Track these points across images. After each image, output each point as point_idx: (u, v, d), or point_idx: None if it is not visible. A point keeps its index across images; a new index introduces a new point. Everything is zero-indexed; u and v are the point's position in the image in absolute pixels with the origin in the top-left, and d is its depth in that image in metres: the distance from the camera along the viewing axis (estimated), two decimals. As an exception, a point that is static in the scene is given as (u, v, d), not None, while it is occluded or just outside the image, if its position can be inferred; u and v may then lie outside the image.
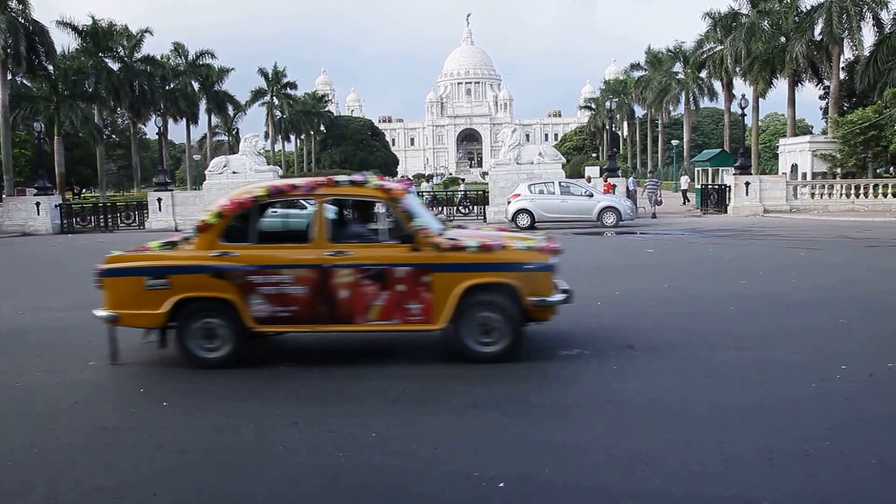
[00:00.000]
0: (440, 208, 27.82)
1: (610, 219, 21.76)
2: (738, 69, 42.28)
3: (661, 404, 4.95)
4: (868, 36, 35.25)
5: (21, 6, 34.20)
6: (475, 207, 27.54)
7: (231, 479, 3.91)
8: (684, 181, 37.58)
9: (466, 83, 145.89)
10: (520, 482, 3.74)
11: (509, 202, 22.74)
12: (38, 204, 27.61)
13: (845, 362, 5.80)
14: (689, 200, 33.69)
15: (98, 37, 45.15)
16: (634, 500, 3.51)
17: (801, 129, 55.91)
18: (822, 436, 4.25)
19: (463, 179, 59.82)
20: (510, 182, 24.93)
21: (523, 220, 21.94)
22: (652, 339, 6.82)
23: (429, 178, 67.82)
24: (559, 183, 23.08)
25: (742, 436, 4.30)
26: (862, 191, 26.30)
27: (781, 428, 4.40)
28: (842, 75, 37.21)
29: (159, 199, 27.42)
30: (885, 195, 25.80)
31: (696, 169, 35.15)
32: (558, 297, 6.25)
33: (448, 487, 3.73)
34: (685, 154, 58.24)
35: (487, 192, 27.56)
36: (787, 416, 4.61)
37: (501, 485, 3.70)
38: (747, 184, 26.28)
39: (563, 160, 29.59)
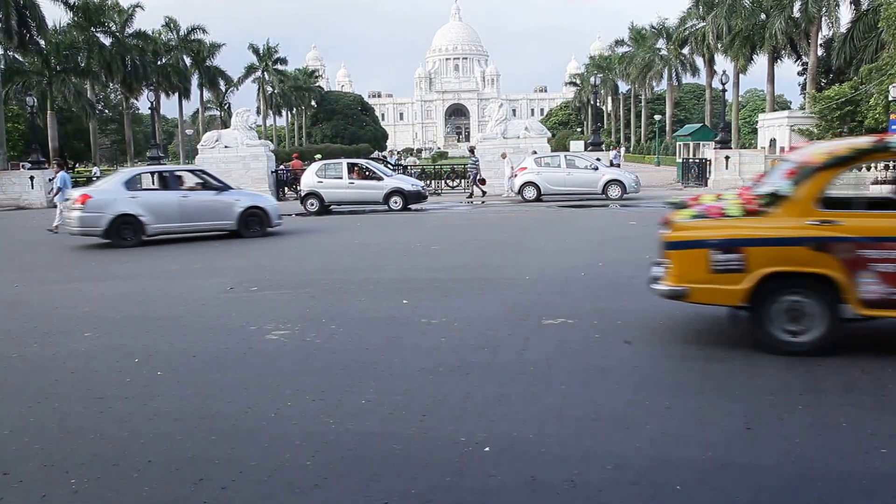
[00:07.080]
0: (428, 181, 27.86)
1: (615, 192, 21.87)
2: (719, 46, 42.48)
3: (642, 371, 5.09)
4: (845, 13, 35.56)
5: (11, -20, 33.48)
6: (462, 181, 27.57)
7: (223, 446, 3.97)
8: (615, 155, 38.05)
9: (454, 59, 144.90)
10: (505, 446, 3.84)
11: (516, 175, 22.75)
12: (32, 178, 27.77)
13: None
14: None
15: (89, 11, 44.52)
16: (614, 462, 3.62)
17: (780, 105, 56.22)
18: (796, 401, 4.40)
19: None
20: (497, 156, 25.00)
21: (530, 193, 22.15)
22: (631, 307, 6.94)
23: (417, 152, 67.80)
24: (565, 156, 23.45)
25: (720, 401, 4.44)
26: (838, 165, 26.61)
27: (758, 394, 4.55)
28: (819, 52, 37.51)
29: None
30: (858, 169, 26.17)
31: (678, 143, 35.43)
32: None
33: (435, 453, 3.81)
34: (667, 129, 58.51)
35: None
36: (763, 382, 4.75)
37: (487, 449, 3.81)
38: (727, 158, 26.58)
39: (549, 135, 29.74)
